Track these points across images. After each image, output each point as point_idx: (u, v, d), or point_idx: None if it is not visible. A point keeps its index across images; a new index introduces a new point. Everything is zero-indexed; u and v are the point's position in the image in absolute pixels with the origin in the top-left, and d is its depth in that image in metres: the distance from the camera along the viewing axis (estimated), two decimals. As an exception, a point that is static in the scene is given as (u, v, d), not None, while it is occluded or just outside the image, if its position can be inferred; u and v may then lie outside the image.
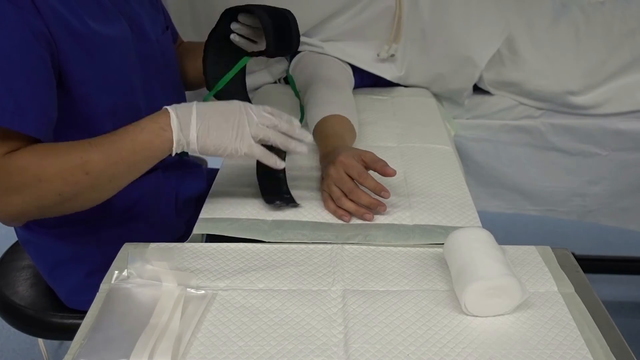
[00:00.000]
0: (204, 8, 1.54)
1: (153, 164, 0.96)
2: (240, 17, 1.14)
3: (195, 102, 0.96)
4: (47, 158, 0.89)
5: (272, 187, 1.10)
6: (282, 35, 1.10)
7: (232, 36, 1.16)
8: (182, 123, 0.93)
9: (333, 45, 1.53)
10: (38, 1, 0.90)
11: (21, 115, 0.89)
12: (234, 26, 1.15)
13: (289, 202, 1.07)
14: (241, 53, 1.18)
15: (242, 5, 1.12)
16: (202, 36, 1.57)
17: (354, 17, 1.52)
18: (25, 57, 0.89)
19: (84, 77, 0.98)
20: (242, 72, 1.21)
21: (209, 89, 1.19)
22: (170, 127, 0.92)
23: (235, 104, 0.97)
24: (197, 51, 1.24)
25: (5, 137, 0.89)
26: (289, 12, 1.14)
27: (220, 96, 1.18)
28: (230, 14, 1.15)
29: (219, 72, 1.18)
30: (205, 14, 1.54)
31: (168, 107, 0.94)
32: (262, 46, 1.17)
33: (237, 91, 1.19)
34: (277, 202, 1.06)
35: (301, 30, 1.52)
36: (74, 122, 1.01)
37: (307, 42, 1.53)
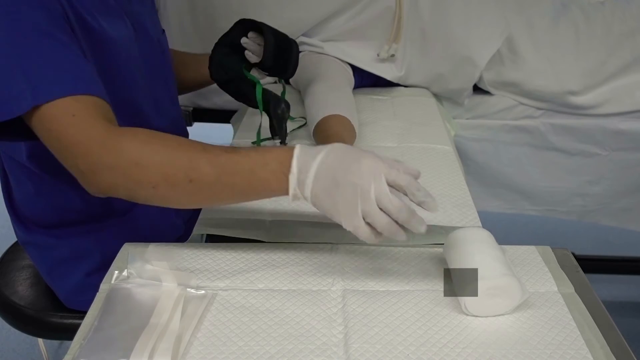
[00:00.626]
0: (204, 8, 1.54)
1: (257, 199, 0.88)
2: (250, 34, 1.22)
3: (322, 154, 0.82)
4: (157, 153, 0.84)
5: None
6: (282, 57, 1.16)
7: (242, 40, 1.22)
8: (300, 179, 0.82)
9: (333, 45, 1.53)
10: None
11: (86, 81, 0.87)
12: (243, 40, 1.22)
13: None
14: (243, 63, 1.25)
15: (256, 21, 1.21)
16: (202, 36, 1.58)
17: (354, 17, 1.52)
18: (63, 30, 0.89)
19: None
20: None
21: (214, 79, 1.26)
22: (289, 179, 0.82)
23: (365, 167, 0.79)
24: (189, 62, 1.32)
25: (94, 105, 0.86)
26: (295, 42, 1.22)
27: (231, 91, 1.26)
28: (243, 25, 1.22)
29: (223, 74, 1.25)
30: (205, 14, 1.54)
31: (295, 151, 0.83)
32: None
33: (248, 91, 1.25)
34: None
35: (301, 30, 1.54)
36: None
37: (307, 42, 1.53)
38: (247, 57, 1.24)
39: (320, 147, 0.83)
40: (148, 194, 0.86)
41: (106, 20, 1.01)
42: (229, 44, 1.23)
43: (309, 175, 0.81)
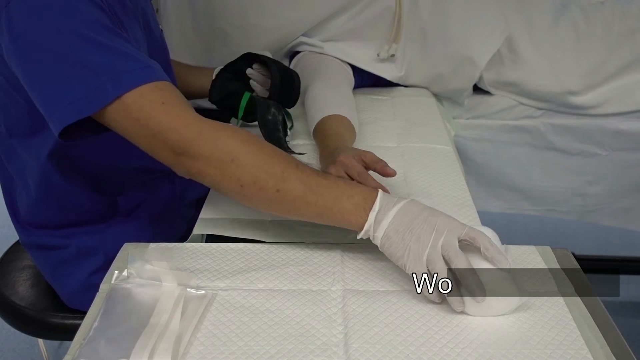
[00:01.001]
0: (204, 8, 1.54)
1: (333, 225, 0.91)
2: (255, 66, 1.30)
3: (403, 202, 0.86)
4: (250, 146, 0.87)
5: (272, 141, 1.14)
6: (287, 90, 1.22)
7: (248, 71, 1.30)
8: (377, 218, 0.86)
9: (333, 45, 1.53)
10: None
11: (157, 67, 0.89)
12: (249, 71, 1.30)
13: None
14: (245, 89, 1.31)
15: (261, 54, 1.28)
16: (202, 36, 1.58)
17: (354, 17, 1.52)
18: (117, 26, 0.91)
19: None
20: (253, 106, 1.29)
21: (212, 100, 1.32)
22: (368, 215, 0.87)
23: (443, 221, 0.84)
24: (193, 70, 1.38)
25: (175, 92, 0.89)
26: (296, 74, 1.30)
27: (221, 105, 1.31)
28: (248, 58, 1.29)
29: (220, 96, 1.31)
30: (205, 14, 1.54)
31: (379, 193, 0.88)
32: (265, 93, 1.30)
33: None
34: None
35: (301, 30, 1.54)
36: None
37: (307, 42, 1.53)
38: (252, 86, 1.32)
39: (401, 198, 0.88)
40: (233, 190, 0.88)
41: (128, 23, 1.02)
42: (232, 72, 1.30)
43: (388, 216, 0.85)
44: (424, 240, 0.83)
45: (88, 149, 1.05)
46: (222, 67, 1.32)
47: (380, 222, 0.86)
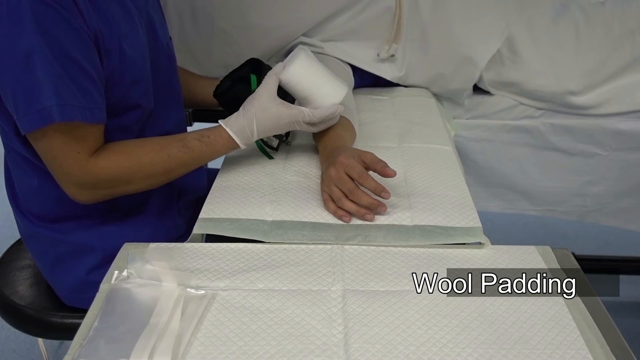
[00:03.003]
0: (204, 8, 1.54)
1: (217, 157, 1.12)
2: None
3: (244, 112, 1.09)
4: (132, 164, 1.04)
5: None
6: (287, 93, 1.20)
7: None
8: (245, 137, 1.10)
9: (333, 45, 1.53)
10: (82, 11, 0.94)
11: (91, 109, 0.97)
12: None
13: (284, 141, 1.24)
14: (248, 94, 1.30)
15: (264, 62, 1.28)
16: (202, 36, 1.58)
17: (354, 17, 1.52)
18: (85, 56, 0.95)
19: (104, 84, 1.02)
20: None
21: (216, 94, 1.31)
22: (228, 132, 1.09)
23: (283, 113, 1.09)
24: (199, 81, 1.41)
25: (80, 131, 0.98)
26: None
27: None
28: (252, 64, 1.29)
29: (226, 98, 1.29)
30: (205, 14, 1.54)
31: (228, 130, 1.09)
32: None
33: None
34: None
35: (301, 30, 1.54)
36: None
37: (307, 42, 1.53)
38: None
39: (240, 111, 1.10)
40: (134, 194, 1.09)
41: (130, 30, 1.03)
42: (237, 78, 1.29)
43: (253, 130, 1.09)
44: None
45: None
46: (227, 73, 1.31)
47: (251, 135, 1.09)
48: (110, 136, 1.05)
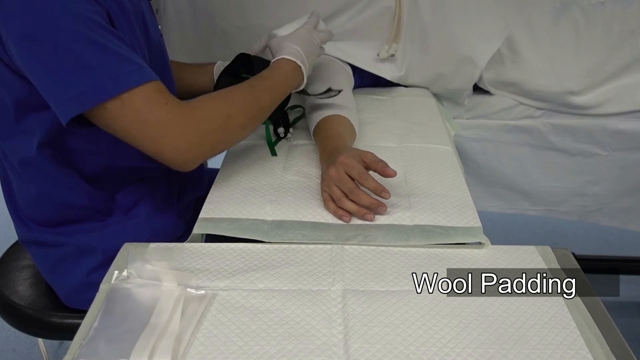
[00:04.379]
0: (204, 8, 1.54)
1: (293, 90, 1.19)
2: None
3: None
4: (226, 100, 1.05)
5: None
6: None
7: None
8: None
9: (333, 45, 1.53)
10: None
11: (145, 67, 0.96)
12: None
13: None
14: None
15: (252, 56, 1.30)
16: (202, 36, 1.58)
17: (354, 17, 1.52)
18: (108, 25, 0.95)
19: None
20: None
21: None
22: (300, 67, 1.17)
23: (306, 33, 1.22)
24: (192, 70, 1.39)
25: (159, 87, 0.96)
26: None
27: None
28: (243, 58, 1.30)
29: None
30: (205, 14, 1.54)
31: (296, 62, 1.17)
32: None
33: None
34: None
35: (301, 30, 1.53)
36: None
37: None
38: None
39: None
40: (237, 135, 1.08)
41: (127, 28, 1.03)
42: (231, 74, 1.30)
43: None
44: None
45: (84, 145, 1.06)
46: (222, 70, 1.32)
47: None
48: (102, 133, 1.05)
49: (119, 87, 0.91)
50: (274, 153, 1.25)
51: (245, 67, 1.30)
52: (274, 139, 1.29)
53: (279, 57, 1.16)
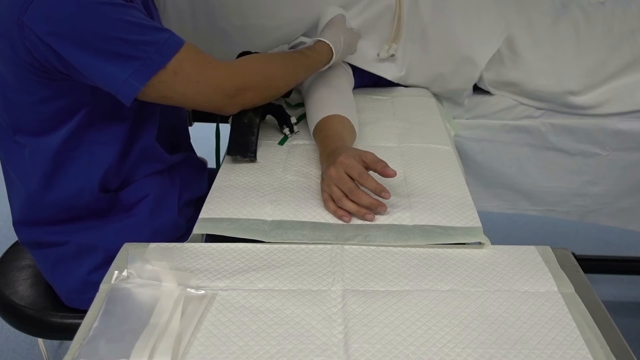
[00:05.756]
0: (204, 8, 1.54)
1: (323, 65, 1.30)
2: None
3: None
4: (273, 63, 1.18)
5: (241, 143, 1.22)
6: None
7: None
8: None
9: (333, 45, 1.53)
10: None
11: (175, 34, 1.03)
12: None
13: (251, 159, 1.22)
14: None
15: (252, 52, 1.32)
16: (202, 37, 1.58)
17: (354, 17, 1.52)
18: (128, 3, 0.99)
19: None
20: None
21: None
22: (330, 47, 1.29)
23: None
24: None
25: (195, 49, 1.06)
26: None
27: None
28: (246, 55, 1.29)
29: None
30: (205, 14, 1.54)
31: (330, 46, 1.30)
32: None
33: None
34: (238, 156, 1.21)
35: (301, 30, 1.54)
36: (99, 111, 1.07)
37: (307, 42, 1.53)
38: None
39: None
40: (272, 95, 1.20)
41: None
42: None
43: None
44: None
45: (90, 147, 1.07)
46: None
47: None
48: (104, 122, 1.06)
49: (164, 57, 0.98)
50: (282, 142, 1.31)
51: None
52: (291, 125, 1.33)
53: (322, 40, 1.29)
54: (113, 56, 0.95)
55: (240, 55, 1.30)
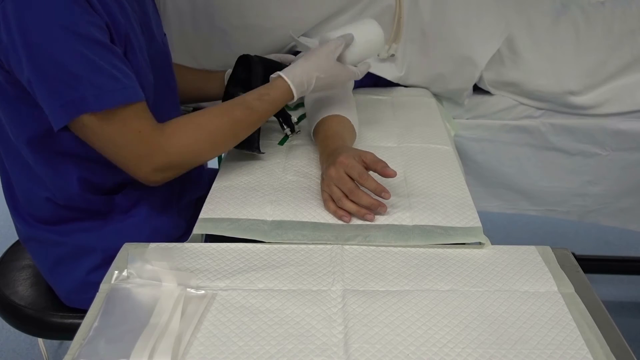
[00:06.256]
0: (204, 8, 1.54)
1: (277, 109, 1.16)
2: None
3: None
4: (202, 135, 1.06)
5: (246, 139, 1.17)
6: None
7: None
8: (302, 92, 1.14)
9: (333, 45, 1.53)
10: (94, 5, 0.96)
11: (134, 88, 0.98)
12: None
13: (257, 152, 1.21)
14: None
15: (251, 57, 1.29)
16: (202, 37, 1.58)
17: (354, 17, 1.52)
18: (105, 36, 0.97)
19: None
20: None
21: None
22: (288, 84, 1.13)
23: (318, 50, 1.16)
24: (190, 78, 1.39)
25: (138, 113, 0.99)
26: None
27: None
28: (245, 60, 1.29)
29: None
30: (206, 15, 1.54)
31: (284, 76, 1.13)
32: None
33: None
34: (244, 150, 1.20)
35: (301, 30, 1.54)
36: None
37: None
38: None
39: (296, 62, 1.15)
40: (204, 162, 1.12)
41: (129, 29, 1.03)
42: (236, 82, 1.29)
43: (296, 73, 1.13)
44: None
45: (80, 144, 1.06)
46: (229, 75, 1.32)
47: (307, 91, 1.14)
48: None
49: (99, 104, 0.94)
50: (282, 142, 1.30)
51: (249, 70, 1.29)
52: (282, 137, 1.31)
53: (276, 75, 1.14)
54: (57, 82, 0.93)
55: (239, 59, 1.30)
